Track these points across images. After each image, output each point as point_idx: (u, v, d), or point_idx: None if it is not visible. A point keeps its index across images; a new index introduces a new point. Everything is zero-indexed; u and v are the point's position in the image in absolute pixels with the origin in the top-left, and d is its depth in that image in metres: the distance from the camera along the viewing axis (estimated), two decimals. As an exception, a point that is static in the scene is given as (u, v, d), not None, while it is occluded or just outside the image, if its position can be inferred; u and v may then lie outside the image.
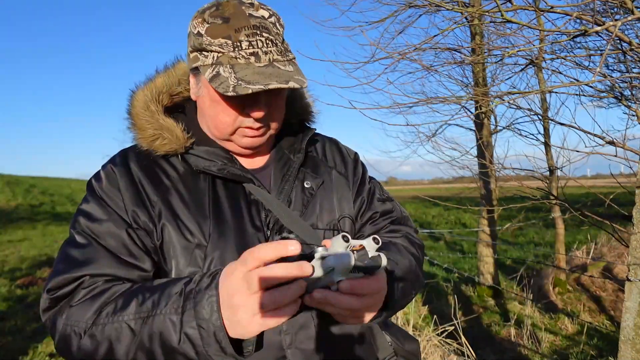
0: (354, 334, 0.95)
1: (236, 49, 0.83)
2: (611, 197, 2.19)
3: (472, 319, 4.75)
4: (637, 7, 1.69)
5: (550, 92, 4.26)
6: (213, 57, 0.84)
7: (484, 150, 5.07)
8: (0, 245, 9.44)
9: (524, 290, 5.45)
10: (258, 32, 0.84)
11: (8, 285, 5.93)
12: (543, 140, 4.71)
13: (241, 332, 0.67)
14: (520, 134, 4.29)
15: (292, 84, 0.81)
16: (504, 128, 5.62)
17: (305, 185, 0.99)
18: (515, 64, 3.31)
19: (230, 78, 0.81)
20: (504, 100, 2.49)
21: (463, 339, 3.16)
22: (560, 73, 2.63)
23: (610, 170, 2.12)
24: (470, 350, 3.13)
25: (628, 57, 2.45)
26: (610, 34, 1.48)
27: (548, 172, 4.96)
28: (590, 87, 2.62)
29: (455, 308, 3.68)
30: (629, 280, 1.81)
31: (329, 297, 0.69)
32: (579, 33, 1.50)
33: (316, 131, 1.10)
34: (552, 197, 2.71)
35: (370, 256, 0.70)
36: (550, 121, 4.52)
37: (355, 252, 0.69)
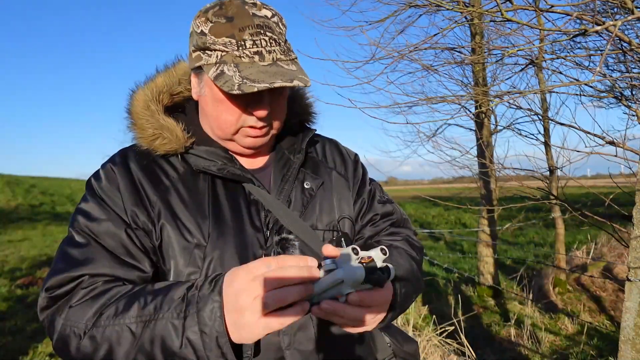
0: (353, 335, 0.95)
1: (240, 48, 0.83)
2: (611, 197, 2.19)
3: (472, 319, 4.74)
4: (637, 7, 1.69)
5: (550, 91, 4.26)
6: (217, 56, 0.84)
7: (484, 150, 5.07)
8: (0, 245, 9.44)
9: (524, 290, 5.45)
10: (262, 32, 0.84)
11: (8, 285, 5.93)
12: (543, 140, 4.71)
13: (246, 335, 0.67)
14: (520, 134, 4.28)
15: (296, 83, 0.81)
16: (504, 128, 5.63)
17: (305, 186, 0.99)
18: (516, 63, 3.31)
19: (235, 76, 0.81)
20: (503, 100, 2.49)
21: (463, 339, 3.16)
22: (560, 73, 2.63)
23: (610, 171, 2.12)
24: (470, 350, 3.12)
25: (628, 57, 2.45)
26: (610, 33, 1.48)
27: (548, 172, 4.95)
28: (590, 87, 2.62)
29: (455, 308, 3.68)
30: (629, 280, 1.81)
31: (337, 309, 0.70)
32: (578, 33, 1.50)
33: (316, 132, 1.10)
34: (552, 197, 2.71)
35: (378, 267, 0.71)
36: (550, 121, 4.52)
37: (364, 264, 0.69)
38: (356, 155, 1.16)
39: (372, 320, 0.79)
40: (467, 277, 6.22)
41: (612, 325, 4.46)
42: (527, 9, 1.82)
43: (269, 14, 0.88)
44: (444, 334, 3.31)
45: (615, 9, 2.20)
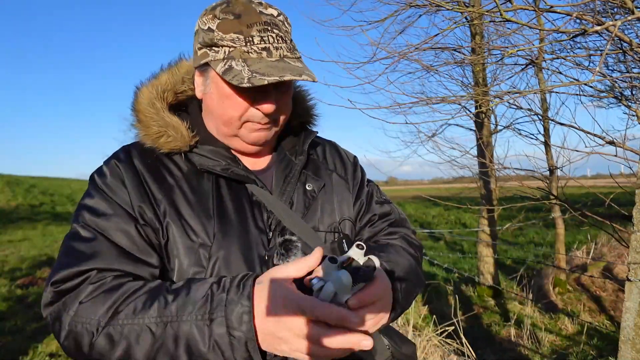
0: None
1: (248, 44, 0.84)
2: (611, 197, 2.19)
3: (472, 319, 4.75)
4: (637, 7, 1.69)
5: (550, 91, 4.26)
6: (225, 51, 0.85)
7: (484, 150, 5.07)
8: (0, 245, 9.44)
9: (524, 290, 5.45)
10: (269, 28, 0.85)
11: (8, 285, 5.93)
12: (543, 140, 4.71)
13: (282, 349, 0.70)
14: (520, 134, 4.29)
15: (305, 77, 0.82)
16: (504, 128, 5.63)
17: (307, 188, 0.99)
18: (516, 64, 3.31)
19: (244, 71, 0.82)
20: (503, 100, 2.49)
21: (463, 339, 3.16)
22: (560, 73, 2.63)
23: (610, 171, 2.12)
24: (470, 350, 3.12)
25: (628, 57, 2.45)
26: (610, 33, 1.48)
27: (548, 172, 4.95)
28: (590, 87, 2.62)
29: (455, 308, 3.68)
30: (629, 280, 1.81)
31: (345, 317, 0.70)
32: (578, 33, 1.50)
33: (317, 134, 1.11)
34: (552, 197, 2.71)
35: (362, 263, 0.72)
36: (550, 121, 4.52)
37: (346, 267, 0.71)
38: (355, 157, 1.17)
39: (381, 317, 0.79)
40: (467, 277, 6.22)
41: (612, 325, 4.46)
42: (527, 9, 1.82)
43: (274, 12, 0.89)
44: (444, 334, 3.31)
45: (615, 9, 2.20)
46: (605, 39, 2.44)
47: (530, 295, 5.17)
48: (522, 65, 3.09)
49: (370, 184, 1.15)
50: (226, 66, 0.84)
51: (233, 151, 0.98)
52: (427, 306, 5.00)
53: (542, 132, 4.92)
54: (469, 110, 5.24)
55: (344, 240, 0.96)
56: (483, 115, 5.09)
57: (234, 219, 0.89)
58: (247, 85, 0.80)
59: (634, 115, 2.24)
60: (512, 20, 1.55)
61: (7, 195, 18.05)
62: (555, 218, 5.78)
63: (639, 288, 1.79)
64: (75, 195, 20.99)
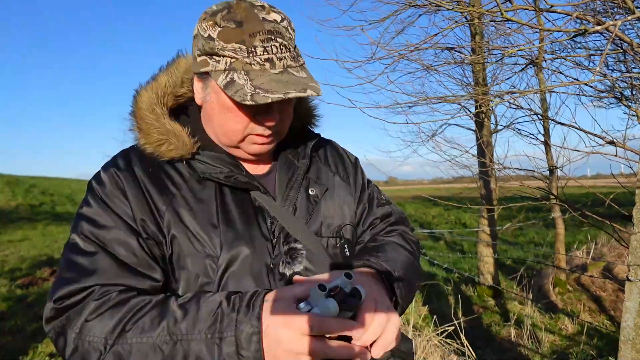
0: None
1: (250, 55, 0.80)
2: (611, 197, 2.19)
3: (472, 319, 4.74)
4: (637, 7, 1.69)
5: (550, 91, 4.26)
6: (226, 62, 0.81)
7: (484, 150, 5.07)
8: (0, 245, 9.44)
9: (524, 290, 5.45)
10: (272, 37, 0.81)
11: (8, 285, 5.93)
12: (543, 140, 4.70)
13: None
14: (521, 134, 4.28)
15: (310, 92, 0.80)
16: (504, 128, 5.63)
17: (310, 193, 0.98)
18: (516, 63, 3.31)
19: (247, 85, 0.79)
20: (503, 99, 2.49)
21: (463, 339, 3.16)
22: (560, 73, 2.63)
23: (610, 170, 2.12)
24: (470, 350, 3.12)
25: (628, 57, 2.45)
26: (610, 33, 1.48)
27: (548, 172, 4.95)
28: (590, 87, 2.62)
29: (456, 308, 3.68)
30: (629, 280, 1.80)
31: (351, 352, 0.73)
32: (578, 32, 1.50)
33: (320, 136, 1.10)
34: (552, 197, 2.71)
35: (348, 291, 0.74)
36: (550, 121, 4.52)
37: (334, 296, 0.72)
38: (356, 159, 1.16)
39: (391, 324, 0.79)
40: (467, 277, 6.21)
41: (612, 325, 4.46)
42: (527, 9, 1.81)
43: (278, 18, 0.85)
44: (444, 334, 3.31)
45: (616, 9, 2.20)
46: (605, 39, 2.44)
47: (530, 295, 5.17)
48: (522, 65, 3.09)
49: (370, 186, 1.14)
50: (228, 79, 0.81)
51: (234, 156, 0.96)
52: (427, 306, 5.00)
53: (542, 132, 4.92)
54: (469, 110, 5.24)
55: (345, 246, 0.97)
56: (483, 115, 5.09)
57: (239, 227, 0.88)
58: (250, 103, 0.77)
59: (634, 115, 2.24)
60: (512, 20, 1.55)
61: (7, 195, 18.05)
62: (555, 218, 5.78)
63: (639, 288, 1.78)
64: (75, 195, 20.98)
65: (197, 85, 0.90)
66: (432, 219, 15.07)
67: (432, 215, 15.83)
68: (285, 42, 0.83)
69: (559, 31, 1.59)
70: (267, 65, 0.81)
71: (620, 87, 2.70)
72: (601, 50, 2.62)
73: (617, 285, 5.15)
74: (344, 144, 1.19)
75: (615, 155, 1.99)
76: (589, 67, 2.60)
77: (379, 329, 0.75)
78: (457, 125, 5.99)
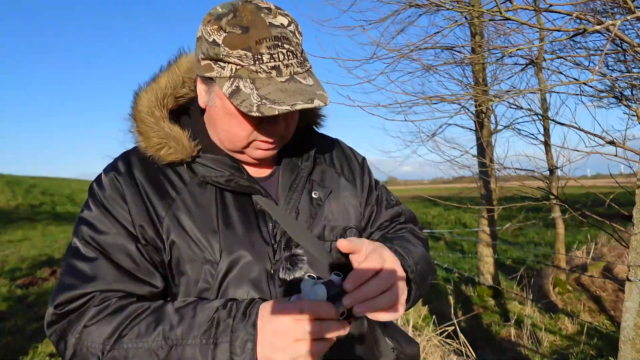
0: (353, 334, 0.94)
1: (257, 62, 0.78)
2: (611, 197, 2.19)
3: (472, 319, 4.74)
4: (637, 7, 1.69)
5: (550, 91, 4.26)
6: (231, 69, 0.79)
7: (484, 150, 5.07)
8: (0, 245, 9.44)
9: (524, 290, 5.45)
10: (279, 44, 0.79)
11: (8, 285, 5.93)
12: (543, 140, 4.71)
13: None
14: (521, 134, 4.29)
15: (317, 103, 0.78)
16: (504, 128, 5.63)
17: (313, 196, 0.96)
18: (516, 63, 3.31)
19: (253, 95, 0.77)
20: (503, 99, 2.49)
21: (463, 339, 3.16)
22: (560, 73, 2.63)
23: (609, 170, 2.12)
24: (470, 350, 3.12)
25: (628, 56, 2.45)
26: (610, 33, 1.48)
27: (548, 172, 4.95)
28: (590, 86, 2.62)
29: (455, 308, 3.68)
30: (629, 280, 1.80)
31: (364, 293, 0.72)
32: (578, 32, 1.50)
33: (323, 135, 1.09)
34: (552, 197, 2.71)
35: (337, 286, 0.75)
36: (550, 121, 4.52)
37: (323, 283, 0.74)
38: (364, 159, 1.13)
39: (399, 287, 0.77)
40: (467, 277, 6.21)
41: (612, 325, 4.46)
42: (527, 9, 1.81)
43: (285, 21, 0.82)
44: (444, 334, 3.31)
45: (615, 9, 2.20)
46: (605, 39, 2.44)
47: (530, 295, 5.17)
48: (522, 64, 3.09)
49: (379, 187, 1.12)
50: (233, 87, 0.79)
51: (236, 159, 0.94)
52: (427, 306, 4.99)
53: (542, 132, 4.92)
54: (469, 110, 5.24)
55: None
56: (483, 115, 5.09)
57: (239, 232, 0.87)
58: (257, 114, 0.76)
59: (634, 115, 2.23)
60: (511, 19, 1.54)
61: (7, 195, 18.05)
62: (555, 218, 5.78)
63: (639, 288, 1.78)
64: (76, 195, 20.98)
65: (201, 87, 0.88)
66: (432, 219, 15.07)
67: (432, 215, 15.82)
68: (292, 48, 0.81)
69: (558, 31, 1.59)
70: (274, 73, 0.79)
71: (620, 87, 2.70)
72: (601, 50, 2.62)
73: (617, 285, 5.15)
74: (351, 147, 1.16)
75: (615, 155, 1.99)
76: (589, 67, 2.60)
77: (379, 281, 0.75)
78: (457, 125, 5.98)
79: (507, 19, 1.51)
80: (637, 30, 2.87)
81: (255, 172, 0.96)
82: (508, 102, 2.62)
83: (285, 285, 0.87)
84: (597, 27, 1.39)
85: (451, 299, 5.18)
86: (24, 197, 18.40)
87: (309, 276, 0.74)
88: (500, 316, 4.93)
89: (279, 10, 0.83)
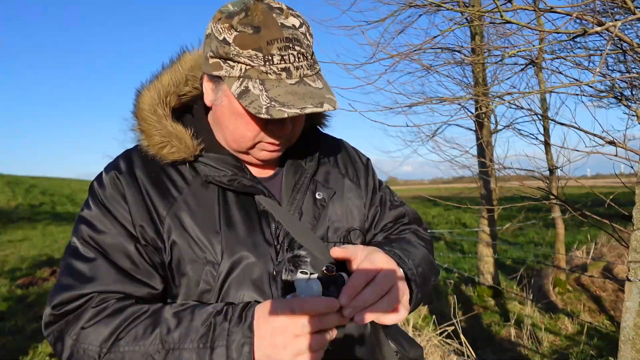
0: (352, 335, 0.94)
1: (267, 63, 0.77)
2: (611, 197, 2.19)
3: (472, 319, 4.74)
4: (637, 7, 1.69)
5: (550, 92, 4.26)
6: (240, 69, 0.79)
7: (484, 150, 5.07)
8: (0, 245, 9.43)
9: (524, 290, 5.45)
10: (290, 45, 0.78)
11: (8, 285, 5.93)
12: (543, 140, 4.71)
13: None
14: (521, 134, 4.29)
15: (326, 107, 0.78)
16: (504, 128, 5.63)
17: (317, 197, 0.95)
18: (515, 64, 3.31)
19: (262, 97, 0.77)
20: (504, 100, 2.49)
21: (463, 339, 3.16)
22: (560, 73, 2.63)
23: (612, 169, 2.12)
24: (470, 350, 3.12)
25: (628, 57, 2.45)
26: (610, 34, 1.48)
27: (548, 172, 4.95)
28: (590, 87, 2.62)
29: (455, 308, 3.68)
30: (629, 280, 1.80)
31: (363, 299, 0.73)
32: (578, 33, 1.50)
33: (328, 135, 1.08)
34: (552, 197, 2.71)
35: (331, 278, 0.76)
36: (550, 121, 4.52)
37: (317, 277, 0.74)
38: (368, 160, 1.13)
39: (398, 289, 0.78)
40: (467, 277, 6.21)
41: (612, 325, 4.46)
42: (527, 9, 1.82)
43: (296, 23, 0.81)
44: (444, 334, 3.31)
45: (616, 9, 2.20)
46: (605, 39, 2.44)
47: (530, 295, 5.17)
48: (522, 65, 3.09)
49: (382, 188, 1.11)
50: (242, 87, 0.78)
51: (240, 159, 0.93)
52: (427, 306, 4.99)
53: (542, 132, 4.92)
54: (469, 110, 5.24)
55: None
56: (483, 115, 5.09)
57: (241, 233, 0.86)
58: (265, 116, 0.76)
59: (634, 115, 2.24)
60: (511, 21, 1.55)
61: (7, 195, 18.04)
62: (555, 218, 5.78)
63: (639, 288, 1.79)
64: (76, 195, 20.97)
65: (208, 86, 0.87)
66: (432, 219, 15.06)
67: (432, 215, 15.83)
68: (303, 50, 0.80)
69: (559, 32, 1.59)
70: (284, 74, 0.78)
71: (620, 87, 2.70)
72: (601, 50, 2.62)
73: (617, 285, 5.16)
74: (355, 147, 1.15)
75: (616, 155, 1.99)
76: (589, 67, 2.60)
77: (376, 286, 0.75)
78: (457, 125, 5.99)
79: (507, 21, 1.51)
80: (637, 31, 2.88)
81: (258, 172, 0.96)
82: (508, 102, 2.62)
83: (288, 286, 0.87)
84: (598, 29, 1.39)
85: (451, 299, 5.18)
86: (24, 197, 18.40)
87: (301, 272, 0.74)
88: (500, 316, 4.93)
89: (290, 11, 0.83)
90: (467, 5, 4.15)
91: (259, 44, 0.77)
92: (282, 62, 0.78)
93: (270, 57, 0.77)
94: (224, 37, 0.78)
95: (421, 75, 4.94)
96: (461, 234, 10.41)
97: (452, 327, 3.29)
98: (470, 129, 5.98)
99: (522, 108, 3.08)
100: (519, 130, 4.80)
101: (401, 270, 0.82)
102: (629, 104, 2.55)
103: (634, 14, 1.58)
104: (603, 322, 4.60)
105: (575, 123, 2.20)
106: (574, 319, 4.55)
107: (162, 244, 0.83)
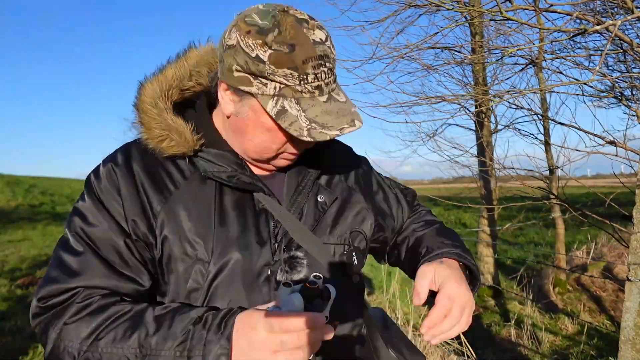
0: (352, 335, 0.94)
1: (302, 82, 0.77)
2: (611, 197, 2.19)
3: (472, 319, 4.73)
4: (637, 7, 1.69)
5: (550, 91, 4.26)
6: (275, 87, 0.77)
7: (484, 150, 5.07)
8: (0, 245, 9.44)
9: (524, 290, 5.45)
10: (322, 63, 0.78)
11: (8, 285, 5.92)
12: (543, 140, 4.71)
13: None
14: (521, 134, 4.29)
15: (358, 125, 0.80)
16: (504, 128, 5.63)
17: (319, 199, 0.94)
18: (516, 63, 3.31)
19: (301, 118, 0.77)
20: (503, 99, 2.49)
21: (463, 339, 3.16)
22: (560, 73, 2.63)
23: (613, 168, 2.12)
24: (470, 350, 3.12)
25: (628, 56, 2.45)
26: (610, 33, 1.48)
27: (548, 172, 4.95)
28: (591, 86, 2.62)
29: (455, 308, 3.66)
30: (629, 280, 1.80)
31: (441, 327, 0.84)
32: (578, 32, 1.50)
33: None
34: (552, 197, 2.71)
35: (317, 291, 0.75)
36: (550, 121, 4.52)
37: (300, 292, 0.73)
38: (371, 167, 1.15)
39: (467, 318, 0.88)
40: (467, 277, 6.20)
41: (612, 325, 4.46)
42: (527, 9, 1.81)
43: (322, 36, 0.80)
44: (444, 334, 3.30)
45: (615, 9, 2.20)
46: (605, 39, 2.44)
47: (530, 295, 5.17)
48: (522, 64, 3.09)
49: (391, 184, 1.16)
50: (279, 107, 0.77)
51: (240, 156, 0.92)
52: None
53: (542, 131, 4.93)
54: (469, 109, 5.24)
55: (353, 253, 0.94)
56: (483, 115, 5.09)
57: (235, 231, 0.85)
58: (308, 139, 0.77)
59: (634, 115, 2.23)
60: (511, 19, 1.54)
61: (7, 195, 18.04)
62: (555, 218, 5.78)
63: (639, 288, 1.78)
64: (75, 195, 20.97)
65: (229, 97, 0.84)
66: (432, 219, 15.04)
67: (432, 215, 15.80)
68: (331, 65, 0.80)
69: (558, 31, 1.59)
70: (317, 92, 0.79)
71: (620, 87, 2.70)
72: (601, 50, 2.61)
73: (617, 285, 5.15)
74: (354, 151, 1.16)
75: (616, 155, 1.99)
76: (589, 67, 2.60)
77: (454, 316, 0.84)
78: (457, 125, 5.99)
79: (508, 18, 1.51)
80: (637, 30, 2.87)
81: (258, 170, 0.95)
82: (508, 101, 2.62)
83: None
84: (598, 28, 1.39)
85: (451, 299, 5.17)
86: (24, 197, 18.40)
87: (284, 284, 0.72)
88: (500, 316, 4.93)
89: (314, 22, 0.81)
90: (467, 4, 4.14)
91: (295, 62, 0.76)
92: (316, 80, 0.78)
93: (305, 77, 0.77)
94: (257, 54, 0.76)
95: (421, 75, 4.93)
96: (461, 234, 10.36)
97: (452, 327, 3.28)
98: (471, 129, 5.98)
99: (522, 108, 3.08)
100: (519, 130, 4.81)
101: (469, 292, 0.90)
102: (629, 103, 2.55)
103: (634, 13, 1.58)
104: (603, 322, 4.60)
105: (576, 123, 2.20)
106: (574, 319, 4.55)
107: (154, 239, 0.83)
